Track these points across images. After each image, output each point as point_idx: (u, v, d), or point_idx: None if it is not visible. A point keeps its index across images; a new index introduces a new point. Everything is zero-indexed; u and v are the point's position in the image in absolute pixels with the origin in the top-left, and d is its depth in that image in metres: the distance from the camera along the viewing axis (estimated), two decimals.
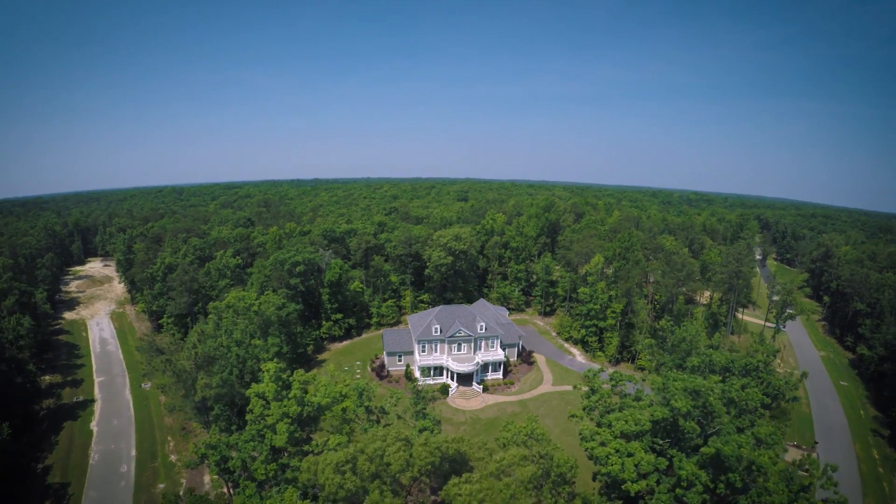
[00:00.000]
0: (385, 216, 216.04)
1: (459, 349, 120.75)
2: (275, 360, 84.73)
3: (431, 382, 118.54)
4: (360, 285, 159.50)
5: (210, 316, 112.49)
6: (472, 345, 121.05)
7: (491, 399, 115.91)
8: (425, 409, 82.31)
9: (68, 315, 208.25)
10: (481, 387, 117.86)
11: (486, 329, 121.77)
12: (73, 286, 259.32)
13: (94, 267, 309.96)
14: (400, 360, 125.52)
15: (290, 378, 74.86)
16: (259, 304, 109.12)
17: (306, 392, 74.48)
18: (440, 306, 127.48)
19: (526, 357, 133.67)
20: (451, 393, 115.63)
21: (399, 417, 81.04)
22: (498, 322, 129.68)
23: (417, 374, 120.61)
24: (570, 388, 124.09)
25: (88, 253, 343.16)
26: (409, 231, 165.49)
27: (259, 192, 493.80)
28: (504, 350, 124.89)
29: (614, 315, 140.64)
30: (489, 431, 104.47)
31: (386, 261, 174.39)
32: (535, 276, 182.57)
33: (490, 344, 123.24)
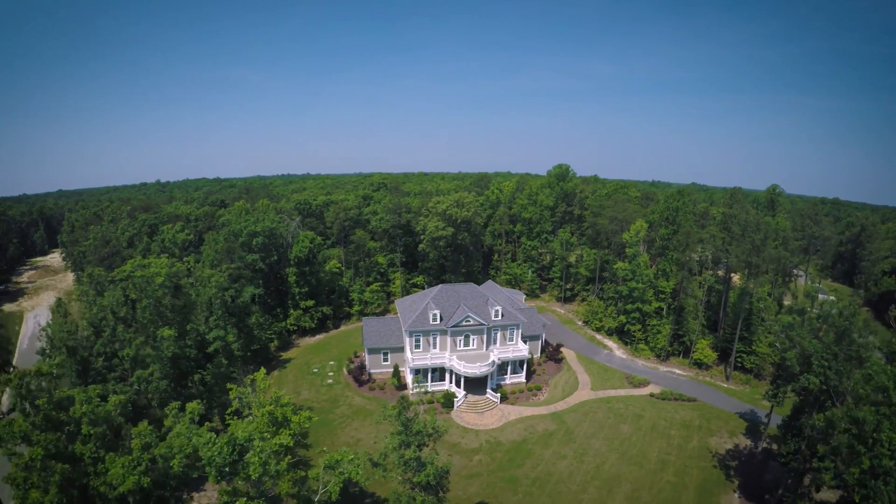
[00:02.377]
0: (373, 192, 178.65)
1: (467, 343, 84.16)
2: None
3: (429, 391, 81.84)
4: (338, 265, 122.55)
5: (84, 288, 75.17)
6: (485, 337, 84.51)
7: (513, 412, 79.39)
8: (423, 444, 45.64)
9: (7, 307, 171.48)
10: (498, 395, 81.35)
11: (502, 315, 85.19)
12: (25, 276, 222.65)
13: (56, 257, 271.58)
14: (386, 360, 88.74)
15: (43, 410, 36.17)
16: (167, 274, 71.63)
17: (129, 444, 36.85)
18: (439, 286, 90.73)
19: (552, 353, 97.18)
20: (456, 405, 79.08)
21: (376, 465, 44.44)
22: (515, 307, 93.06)
23: (409, 378, 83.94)
24: (615, 392, 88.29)
25: (55, 244, 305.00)
26: (399, 199, 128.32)
27: (245, 184, 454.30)
28: (525, 344, 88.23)
29: (663, 296, 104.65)
30: (516, 463, 67.92)
31: (372, 238, 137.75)
32: (549, 256, 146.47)
33: (508, 336, 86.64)
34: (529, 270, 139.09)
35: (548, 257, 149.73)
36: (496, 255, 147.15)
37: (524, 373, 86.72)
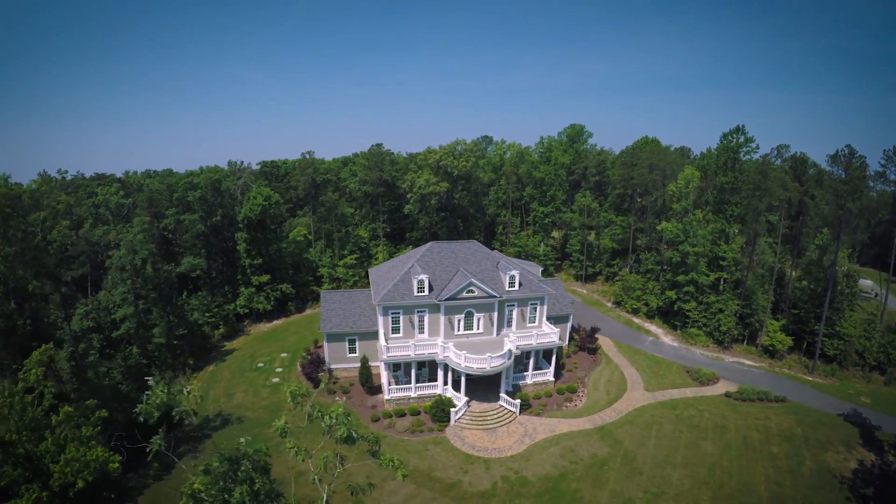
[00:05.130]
0: (355, 158, 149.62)
1: (469, 325, 55.55)
2: None
3: (413, 396, 53.17)
4: (304, 231, 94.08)
5: None
6: (495, 316, 55.89)
7: (541, 427, 50.86)
8: None
9: None
10: (517, 402, 52.65)
11: (519, 284, 56.76)
12: None
13: None
14: (353, 351, 60.03)
15: None
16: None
17: None
18: (429, 243, 61.79)
19: (585, 340, 68.78)
20: (454, 417, 50.46)
21: None
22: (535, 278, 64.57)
23: (383, 376, 55.07)
24: (678, 393, 60.45)
25: None
26: (381, 154, 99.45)
27: None
28: (553, 326, 59.44)
29: (724, 263, 76.49)
30: None
31: (350, 207, 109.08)
32: (563, 230, 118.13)
33: (528, 314, 58.18)
34: (542, 243, 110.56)
35: (559, 234, 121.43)
36: (500, 228, 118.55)
37: (552, 368, 58.08)
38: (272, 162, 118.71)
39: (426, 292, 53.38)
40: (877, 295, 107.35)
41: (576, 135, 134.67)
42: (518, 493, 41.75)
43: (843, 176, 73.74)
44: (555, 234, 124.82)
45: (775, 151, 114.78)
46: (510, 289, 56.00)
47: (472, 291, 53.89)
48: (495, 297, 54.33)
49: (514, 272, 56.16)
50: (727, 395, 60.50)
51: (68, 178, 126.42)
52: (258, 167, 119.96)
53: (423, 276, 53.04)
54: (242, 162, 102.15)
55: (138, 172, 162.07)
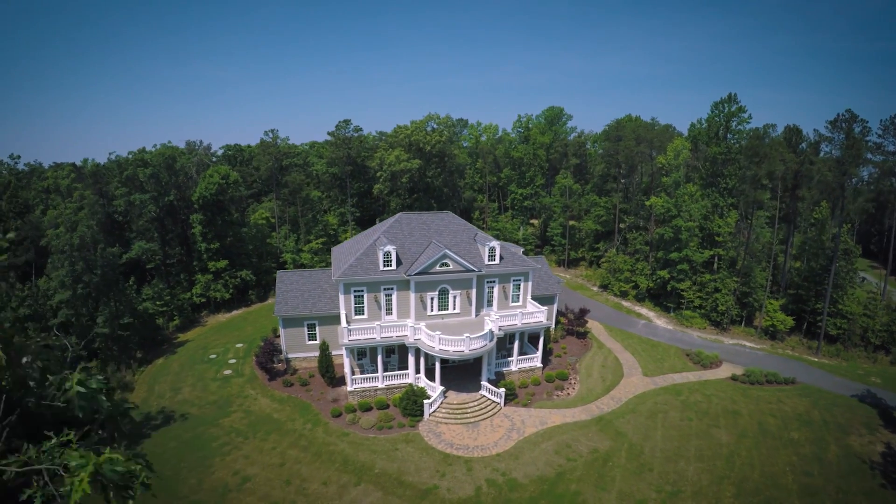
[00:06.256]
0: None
1: (444, 304, 47.22)
2: None
3: (380, 386, 44.76)
4: (266, 214, 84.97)
5: None
6: (473, 294, 47.66)
7: (530, 420, 42.88)
8: None
9: None
10: (502, 391, 44.53)
11: (500, 258, 48.75)
12: None
13: None
14: (313, 336, 51.22)
15: None
16: None
17: None
18: (398, 214, 53.26)
19: (574, 323, 61.06)
20: (428, 410, 42.12)
21: None
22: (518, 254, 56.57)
23: (347, 366, 46.19)
24: (681, 378, 53.58)
25: None
26: (349, 134, 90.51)
27: None
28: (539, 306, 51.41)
29: (720, 239, 69.77)
30: None
31: (317, 189, 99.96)
32: (543, 215, 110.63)
33: (511, 292, 50.10)
34: (522, 227, 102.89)
35: (538, 222, 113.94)
36: (477, 213, 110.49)
37: (539, 353, 50.15)
38: (236, 145, 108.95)
39: (394, 266, 44.95)
40: (864, 280, 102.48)
41: (554, 117, 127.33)
42: (507, 498, 33.69)
43: (844, 141, 67.88)
44: (534, 221, 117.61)
45: (762, 130, 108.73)
46: (490, 263, 47.90)
47: (446, 265, 45.62)
48: (473, 271, 46.10)
49: (492, 244, 48.12)
50: (734, 378, 53.71)
51: (21, 165, 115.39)
52: (221, 151, 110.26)
53: (391, 248, 44.59)
54: (201, 142, 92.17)
55: (100, 164, 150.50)
